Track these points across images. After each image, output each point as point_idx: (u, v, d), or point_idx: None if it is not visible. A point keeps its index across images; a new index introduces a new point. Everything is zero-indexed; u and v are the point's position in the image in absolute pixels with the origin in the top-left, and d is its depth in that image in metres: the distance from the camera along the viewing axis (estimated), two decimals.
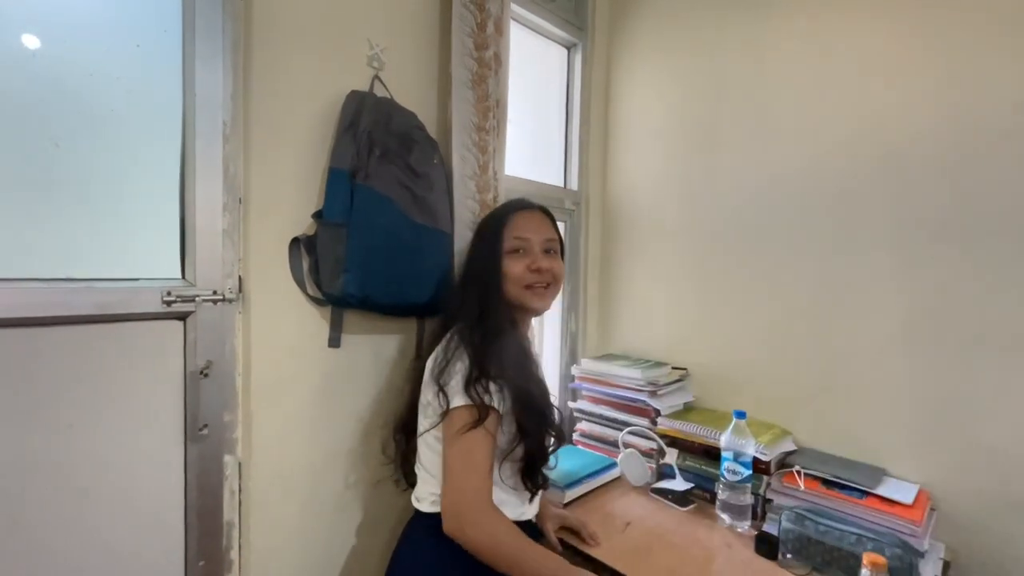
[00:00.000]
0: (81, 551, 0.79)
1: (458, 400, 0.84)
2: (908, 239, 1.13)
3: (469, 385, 0.83)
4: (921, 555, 0.95)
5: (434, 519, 0.85)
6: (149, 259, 0.87)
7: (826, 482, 1.10)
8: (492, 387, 0.84)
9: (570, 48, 1.66)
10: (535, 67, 1.60)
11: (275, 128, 0.95)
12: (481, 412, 0.83)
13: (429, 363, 0.93)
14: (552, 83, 1.66)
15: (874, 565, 0.86)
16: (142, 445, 0.84)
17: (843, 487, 1.08)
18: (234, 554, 0.94)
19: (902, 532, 0.96)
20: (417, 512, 0.92)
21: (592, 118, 1.68)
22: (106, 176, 0.82)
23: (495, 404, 0.84)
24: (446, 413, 0.85)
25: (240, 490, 0.94)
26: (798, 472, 1.12)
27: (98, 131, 0.81)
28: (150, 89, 0.85)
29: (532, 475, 0.89)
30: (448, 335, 0.93)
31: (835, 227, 1.23)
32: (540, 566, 0.79)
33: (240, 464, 0.94)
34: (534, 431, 0.88)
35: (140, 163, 0.85)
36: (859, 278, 1.19)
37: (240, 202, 0.92)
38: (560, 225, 1.64)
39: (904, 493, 1.04)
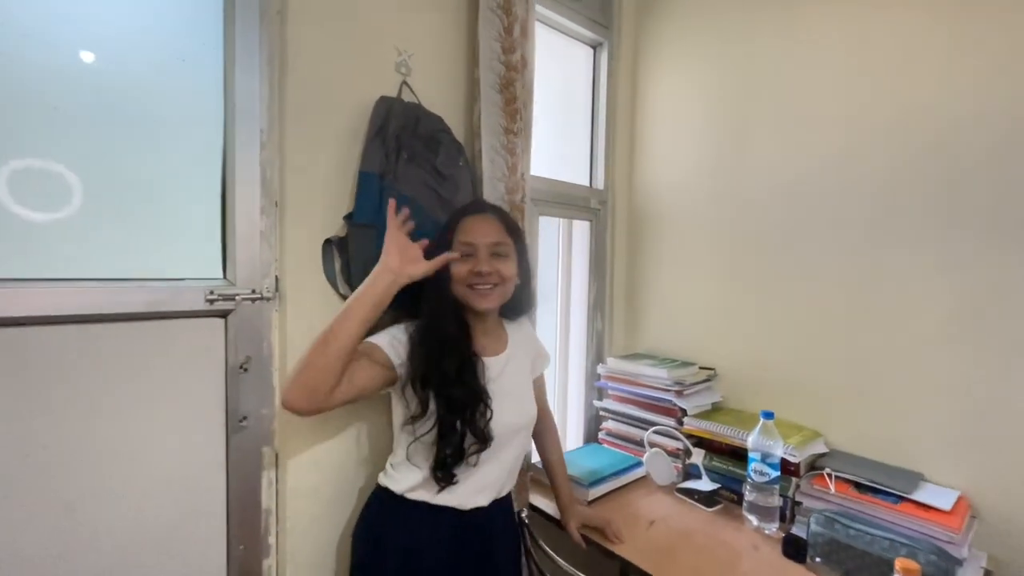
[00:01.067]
0: (129, 536, 0.85)
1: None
2: (951, 234, 1.09)
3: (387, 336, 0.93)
4: (959, 563, 0.91)
5: (376, 492, 0.99)
6: (193, 260, 0.92)
7: (859, 486, 1.08)
8: (405, 350, 0.92)
9: (596, 47, 1.66)
10: (560, 67, 1.61)
11: (308, 134, 0.99)
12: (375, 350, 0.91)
13: None
14: (578, 82, 1.67)
15: (907, 571, 0.83)
16: (187, 436, 0.90)
17: (877, 491, 1.05)
18: (272, 539, 0.99)
19: (939, 539, 0.93)
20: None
21: (618, 116, 1.68)
22: (154, 181, 0.87)
23: (392, 357, 0.91)
24: None
25: (277, 479, 0.99)
26: (829, 475, 1.10)
27: (147, 140, 0.86)
28: (194, 100, 0.90)
29: (442, 468, 0.91)
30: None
31: (871, 223, 1.19)
32: (337, 324, 0.86)
33: (277, 455, 0.99)
34: (450, 424, 0.90)
35: (185, 169, 0.91)
36: (898, 275, 1.16)
37: (276, 205, 0.96)
38: (585, 224, 1.65)
39: (942, 499, 1.01)
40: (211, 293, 0.90)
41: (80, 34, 0.79)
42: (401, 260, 0.89)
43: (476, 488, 0.95)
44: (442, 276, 0.96)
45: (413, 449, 0.94)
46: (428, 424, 0.91)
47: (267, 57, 0.93)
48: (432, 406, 0.91)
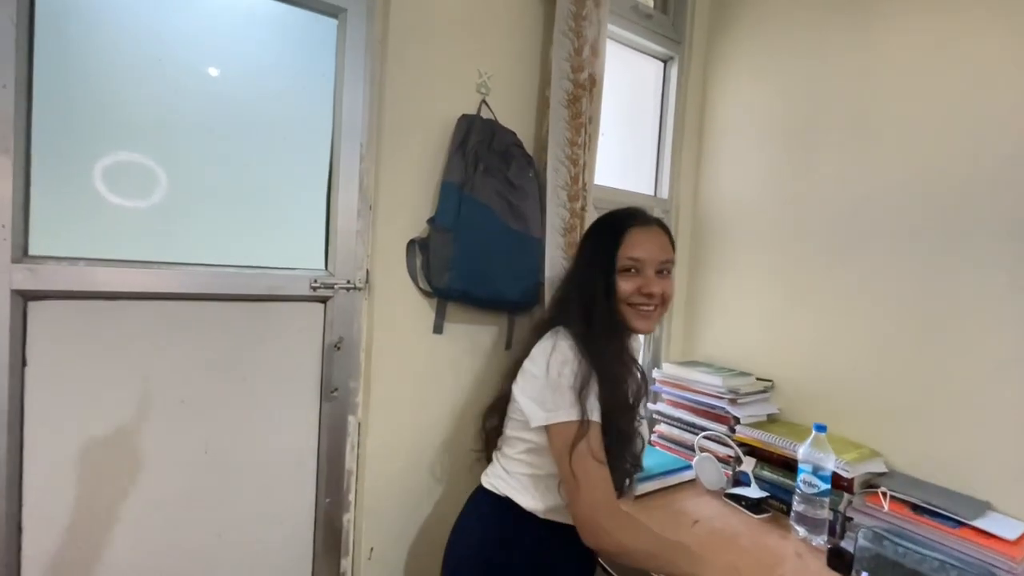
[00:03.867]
0: (247, 473, 1.03)
1: (563, 415, 0.83)
2: None
3: (577, 399, 0.83)
4: None
5: (499, 499, 0.93)
6: (301, 253, 1.10)
7: (916, 508, 1.06)
8: (596, 403, 0.85)
9: (666, 61, 1.71)
10: (630, 79, 1.67)
11: (400, 148, 1.13)
12: (587, 425, 0.82)
13: (529, 364, 0.91)
14: (646, 94, 1.72)
15: None
16: (292, 399, 1.07)
17: (935, 515, 1.03)
18: (352, 496, 1.14)
19: (997, 567, 0.91)
20: (482, 488, 0.98)
21: (686, 128, 1.71)
22: (276, 187, 1.06)
23: (595, 418, 0.84)
24: (550, 426, 0.85)
25: (359, 445, 1.14)
26: (883, 493, 1.09)
27: (272, 153, 1.05)
28: (310, 119, 1.08)
29: None
30: (551, 341, 0.90)
31: (943, 240, 1.16)
32: (669, 561, 0.82)
33: (360, 424, 1.14)
34: (615, 455, 0.87)
35: (300, 178, 1.08)
36: (967, 295, 1.12)
37: (370, 208, 1.12)
38: None
39: (1007, 529, 0.98)
40: (315, 281, 1.06)
41: (230, 78, 0.98)
42: None
43: None
44: (609, 293, 0.89)
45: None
46: None
47: (369, 80, 1.09)
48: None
